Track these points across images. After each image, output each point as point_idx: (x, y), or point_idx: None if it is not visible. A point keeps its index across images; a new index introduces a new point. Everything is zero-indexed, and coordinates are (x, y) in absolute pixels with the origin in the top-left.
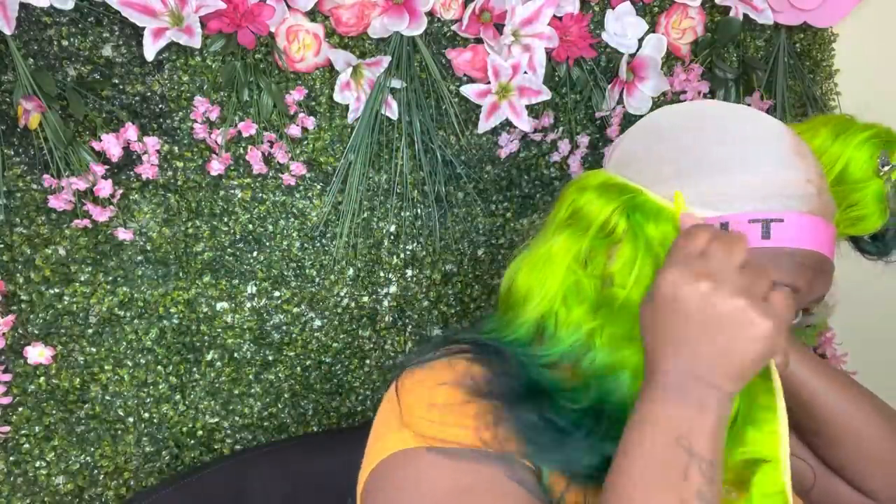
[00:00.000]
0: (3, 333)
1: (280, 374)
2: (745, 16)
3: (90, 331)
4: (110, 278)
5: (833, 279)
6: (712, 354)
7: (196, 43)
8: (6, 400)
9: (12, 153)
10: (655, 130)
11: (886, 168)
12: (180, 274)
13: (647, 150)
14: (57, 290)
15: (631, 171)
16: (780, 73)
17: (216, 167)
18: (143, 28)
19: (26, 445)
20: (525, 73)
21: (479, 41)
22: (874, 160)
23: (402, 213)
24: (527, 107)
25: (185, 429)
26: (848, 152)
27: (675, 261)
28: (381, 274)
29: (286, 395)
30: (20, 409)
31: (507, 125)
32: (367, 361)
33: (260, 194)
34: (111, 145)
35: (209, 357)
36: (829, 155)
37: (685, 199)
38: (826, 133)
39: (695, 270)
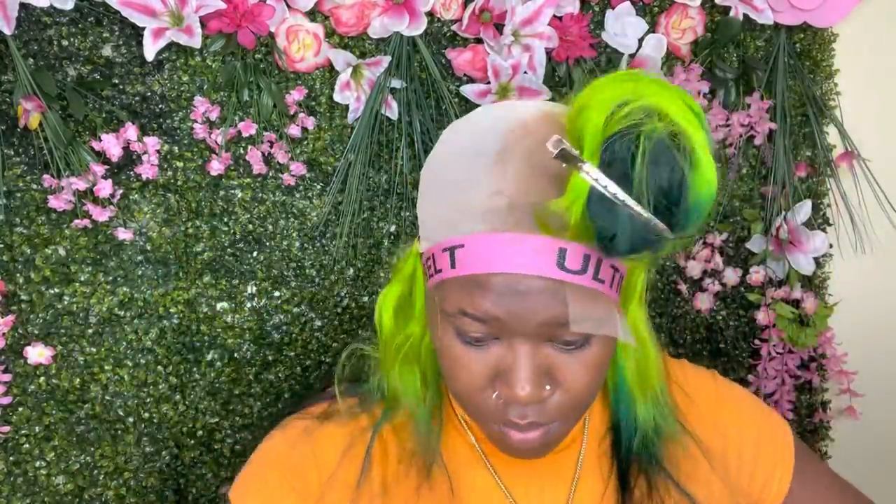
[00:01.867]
0: (3, 333)
1: (280, 375)
2: (745, 16)
3: (90, 331)
4: (110, 278)
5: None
6: None
7: (196, 43)
8: (6, 400)
9: (12, 153)
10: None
11: (565, 160)
12: (180, 274)
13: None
14: (57, 290)
15: None
16: (780, 73)
17: (216, 167)
18: (143, 28)
19: (26, 445)
20: (525, 73)
21: (479, 41)
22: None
23: (403, 214)
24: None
25: (185, 429)
26: (582, 121)
27: None
28: (382, 274)
29: (286, 396)
30: (20, 409)
31: None
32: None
33: (260, 194)
34: (111, 145)
35: (209, 357)
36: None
37: (421, 229)
38: (592, 96)
39: None
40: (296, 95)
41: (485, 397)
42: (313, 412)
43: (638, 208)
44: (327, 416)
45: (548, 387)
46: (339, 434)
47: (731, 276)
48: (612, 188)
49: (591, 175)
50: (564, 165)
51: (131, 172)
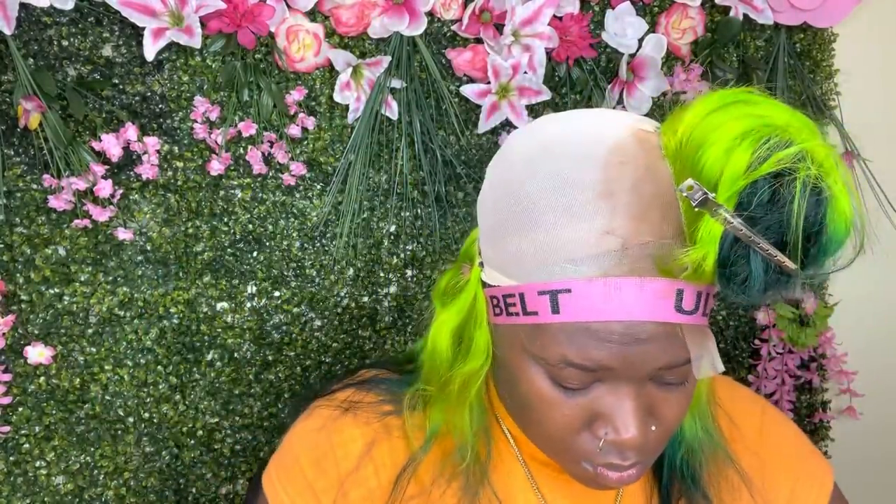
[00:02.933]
0: (3, 333)
1: (280, 375)
2: (745, 16)
3: (90, 331)
4: (110, 278)
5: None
6: None
7: (196, 43)
8: (6, 400)
9: (12, 153)
10: (494, 189)
11: (697, 203)
12: (180, 274)
13: (486, 208)
14: (57, 290)
15: (481, 237)
16: (780, 73)
17: (216, 167)
18: (143, 28)
19: (26, 445)
20: (525, 73)
21: (479, 41)
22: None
23: (402, 214)
24: (527, 107)
25: (185, 429)
26: (732, 161)
27: None
28: (381, 274)
29: (286, 395)
30: (20, 409)
31: (507, 125)
32: (367, 362)
33: (260, 194)
34: (111, 145)
35: (209, 357)
36: (707, 167)
37: (487, 258)
38: (728, 126)
39: None
40: (296, 95)
41: (580, 440)
42: (339, 398)
43: (777, 253)
44: (351, 407)
45: (653, 427)
46: (360, 434)
47: None
48: (753, 234)
49: (731, 220)
50: (694, 208)
51: (131, 172)
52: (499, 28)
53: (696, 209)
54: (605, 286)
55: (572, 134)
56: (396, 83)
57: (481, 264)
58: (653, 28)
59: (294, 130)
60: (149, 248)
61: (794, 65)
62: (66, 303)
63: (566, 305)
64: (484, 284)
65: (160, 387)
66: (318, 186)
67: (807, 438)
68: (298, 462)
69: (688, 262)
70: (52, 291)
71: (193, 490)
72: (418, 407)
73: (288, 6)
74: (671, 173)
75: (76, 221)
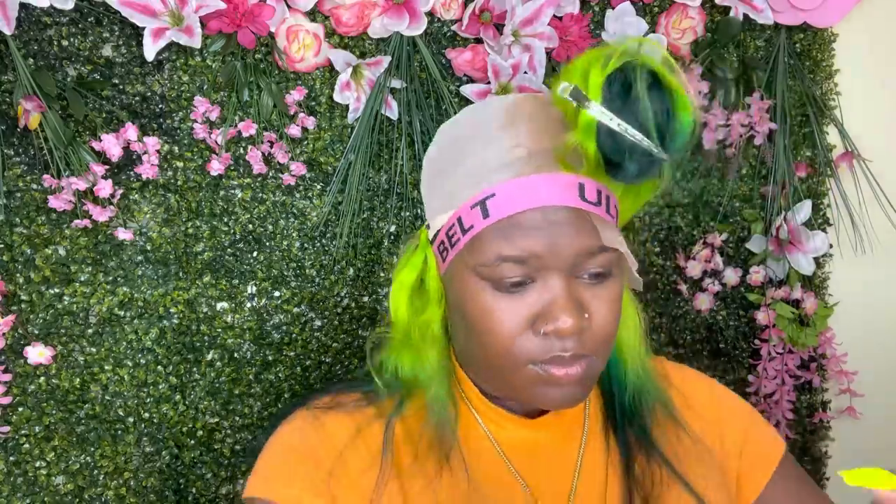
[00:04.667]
0: (3, 333)
1: (280, 375)
2: (745, 16)
3: (90, 331)
4: (110, 278)
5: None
6: None
7: (196, 43)
8: (6, 400)
9: (12, 153)
10: (425, 163)
11: (575, 101)
12: (180, 274)
13: (424, 183)
14: (57, 290)
15: (426, 209)
16: (780, 73)
17: (216, 167)
18: (143, 28)
19: (26, 445)
20: (525, 73)
21: (479, 41)
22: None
23: (402, 214)
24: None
25: (185, 429)
26: (558, 107)
27: None
28: (381, 274)
29: (286, 396)
30: (20, 409)
31: None
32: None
33: (260, 194)
34: (111, 145)
35: (209, 357)
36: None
37: (431, 214)
38: (555, 85)
39: None
40: (296, 95)
41: (524, 341)
42: (318, 404)
43: (638, 134)
44: (333, 407)
45: (586, 315)
46: (347, 421)
47: (731, 276)
48: (615, 119)
49: (597, 110)
50: (574, 107)
51: (131, 172)
52: (499, 28)
53: (575, 105)
54: (519, 184)
55: (484, 101)
56: (396, 83)
57: (427, 226)
58: (653, 28)
59: (294, 130)
60: (149, 248)
61: (794, 65)
62: (66, 303)
63: (493, 207)
64: (430, 242)
65: (160, 387)
66: (318, 186)
67: (757, 413)
68: (294, 453)
69: (571, 147)
70: (52, 291)
71: (193, 490)
72: (395, 396)
73: (288, 6)
74: (558, 110)
75: (76, 221)
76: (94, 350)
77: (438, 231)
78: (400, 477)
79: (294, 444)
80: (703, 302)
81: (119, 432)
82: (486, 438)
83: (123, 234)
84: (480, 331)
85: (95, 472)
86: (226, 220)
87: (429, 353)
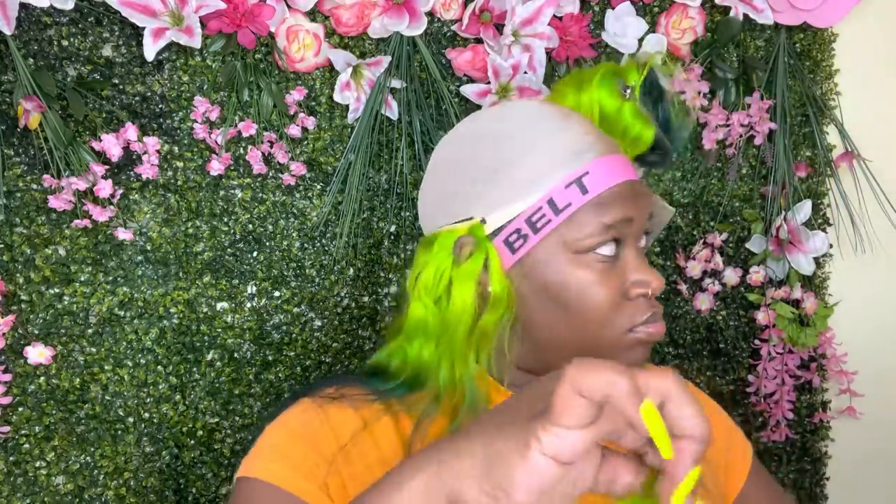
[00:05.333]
0: (3, 333)
1: (280, 375)
2: (745, 16)
3: (90, 331)
4: (110, 278)
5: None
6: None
7: (196, 43)
8: (6, 400)
9: (12, 153)
10: (453, 166)
11: (628, 91)
12: (180, 274)
13: (454, 186)
14: (57, 290)
15: (436, 220)
16: (780, 73)
17: (216, 167)
18: (143, 28)
19: (26, 445)
20: (525, 73)
21: (479, 41)
22: (615, 90)
23: (402, 214)
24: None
25: (185, 429)
26: (594, 96)
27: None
28: (381, 274)
29: (286, 396)
30: (20, 409)
31: None
32: (368, 362)
33: (260, 194)
34: (111, 145)
35: (209, 357)
36: (583, 106)
37: (489, 208)
38: (570, 92)
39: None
40: (296, 95)
41: (623, 309)
42: (323, 394)
43: (660, 130)
44: (338, 398)
45: None
46: (352, 414)
47: (731, 276)
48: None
49: (642, 105)
50: (628, 92)
51: (131, 172)
52: (499, 28)
53: (627, 95)
54: (606, 161)
55: (506, 104)
56: (396, 83)
57: (483, 221)
58: (653, 28)
59: (294, 130)
60: (149, 248)
61: (794, 65)
62: (66, 303)
63: (591, 183)
64: (489, 237)
65: (160, 387)
66: (318, 186)
67: (729, 418)
68: (293, 436)
69: (635, 132)
70: (52, 291)
71: (193, 490)
72: (410, 393)
73: (288, 6)
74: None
75: (76, 221)
76: (94, 350)
77: (506, 223)
78: None
79: (294, 428)
80: (703, 302)
81: (119, 432)
82: None
83: (123, 234)
84: (580, 307)
85: (95, 472)
86: (226, 220)
87: (473, 356)
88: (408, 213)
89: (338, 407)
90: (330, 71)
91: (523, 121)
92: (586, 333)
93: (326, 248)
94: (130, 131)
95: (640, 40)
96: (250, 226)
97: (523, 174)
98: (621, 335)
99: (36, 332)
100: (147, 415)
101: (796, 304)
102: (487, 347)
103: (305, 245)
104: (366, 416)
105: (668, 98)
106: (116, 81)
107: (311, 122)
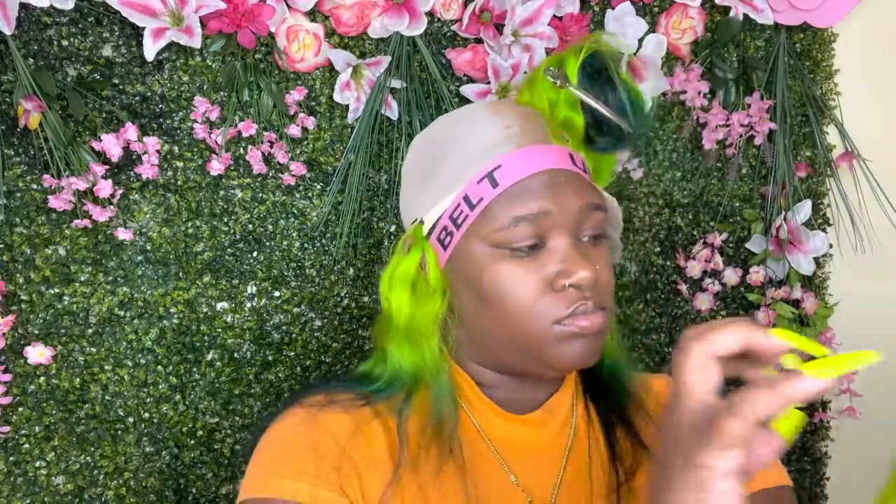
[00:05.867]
0: (3, 333)
1: (280, 375)
2: (745, 16)
3: (90, 331)
4: (110, 278)
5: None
6: None
7: (196, 43)
8: (6, 400)
9: (12, 153)
10: (406, 172)
11: (558, 79)
12: (180, 274)
13: (407, 189)
14: (57, 290)
15: (409, 213)
16: (780, 73)
17: (216, 167)
18: (143, 28)
19: (26, 445)
20: (525, 73)
21: (479, 41)
22: (551, 83)
23: None
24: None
25: (185, 429)
26: (540, 88)
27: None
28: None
29: (286, 396)
30: (20, 409)
31: None
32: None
33: (260, 194)
34: (111, 145)
35: (209, 357)
36: (535, 101)
37: (424, 208)
38: (525, 89)
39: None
40: (296, 95)
41: (546, 301)
42: (312, 402)
43: (606, 110)
44: (327, 405)
45: (597, 267)
46: (345, 418)
47: (731, 276)
48: (591, 98)
49: (579, 89)
50: (555, 90)
51: (131, 172)
52: (499, 28)
53: (557, 85)
54: (521, 153)
55: (453, 112)
56: (396, 83)
57: (420, 221)
58: (653, 28)
59: (294, 130)
60: (149, 248)
61: (794, 65)
62: (66, 303)
63: (501, 176)
64: (427, 236)
65: (160, 387)
66: (318, 186)
67: None
68: (293, 450)
69: (560, 117)
70: (52, 291)
71: (193, 490)
72: (394, 395)
73: (288, 6)
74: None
75: (76, 221)
76: (94, 350)
77: (436, 221)
78: (407, 477)
79: (290, 439)
80: (703, 302)
81: (119, 432)
82: (478, 434)
83: (123, 234)
84: (501, 300)
85: (95, 472)
86: (226, 220)
87: (431, 345)
88: None
89: (330, 413)
90: (330, 71)
91: (455, 122)
92: (512, 326)
93: (326, 248)
94: (130, 131)
95: (641, 40)
96: (250, 226)
97: (447, 173)
98: (546, 328)
99: (36, 332)
100: (147, 415)
101: (796, 304)
102: (429, 339)
103: (305, 245)
104: (357, 419)
105: (617, 81)
106: (116, 81)
107: (311, 122)
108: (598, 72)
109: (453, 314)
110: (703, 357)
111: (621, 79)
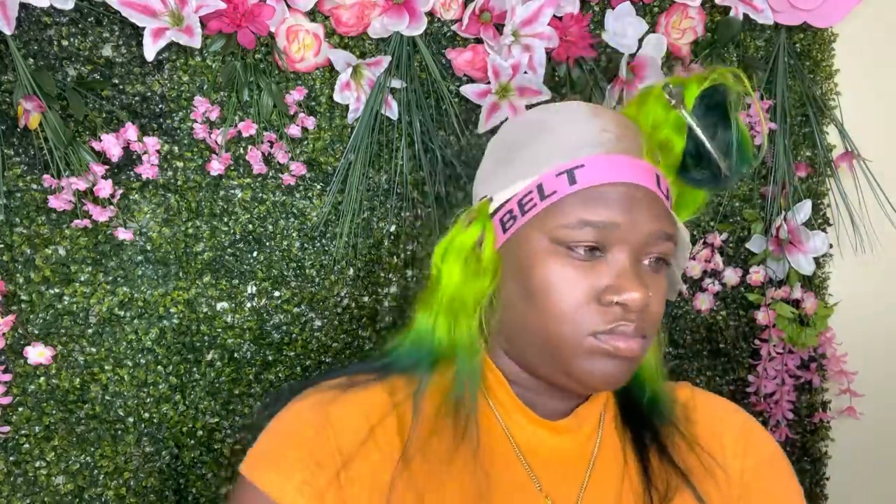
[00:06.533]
0: (3, 333)
1: (280, 375)
2: (745, 16)
3: (90, 331)
4: (110, 278)
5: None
6: None
7: (196, 43)
8: (6, 400)
9: (12, 153)
10: (491, 148)
11: (674, 99)
12: (180, 274)
13: (487, 164)
14: (57, 290)
15: (481, 188)
16: (780, 73)
17: (216, 167)
18: (143, 28)
19: (26, 445)
20: (525, 73)
21: (479, 41)
22: (666, 104)
23: (402, 214)
24: (527, 107)
25: (185, 429)
26: (644, 108)
27: None
28: (381, 274)
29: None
30: (20, 409)
31: None
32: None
33: (260, 194)
34: (111, 145)
35: (209, 357)
36: (641, 114)
37: (497, 187)
38: (634, 101)
39: None
40: (296, 95)
41: (589, 311)
42: (330, 384)
43: (715, 149)
44: (347, 388)
45: (650, 294)
46: (360, 409)
47: (731, 276)
48: (700, 128)
49: (691, 116)
50: (667, 109)
51: (131, 172)
52: (499, 28)
53: (672, 104)
54: (607, 159)
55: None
56: (396, 83)
57: (490, 199)
58: (653, 28)
59: (294, 130)
60: (149, 248)
61: (794, 65)
62: (66, 303)
63: (581, 176)
64: (491, 214)
65: (160, 387)
66: (318, 186)
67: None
68: (295, 445)
69: (662, 137)
70: (52, 291)
71: (193, 490)
72: (416, 368)
73: (288, 6)
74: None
75: (76, 221)
76: (94, 350)
77: (505, 202)
78: (418, 458)
79: (296, 431)
80: (703, 302)
81: (119, 432)
82: (504, 437)
83: (123, 234)
84: (545, 297)
85: (95, 472)
86: (226, 220)
87: (471, 324)
88: (408, 213)
89: (343, 407)
90: (330, 71)
91: (552, 112)
92: (549, 326)
93: (326, 248)
94: (130, 131)
95: (641, 40)
96: (250, 226)
97: (528, 158)
98: (581, 337)
99: (36, 332)
100: (147, 415)
101: (796, 304)
102: (470, 317)
103: (305, 245)
104: (372, 421)
105: (732, 120)
106: (116, 81)
107: (311, 122)
108: (717, 105)
109: (498, 300)
110: None
111: (736, 120)
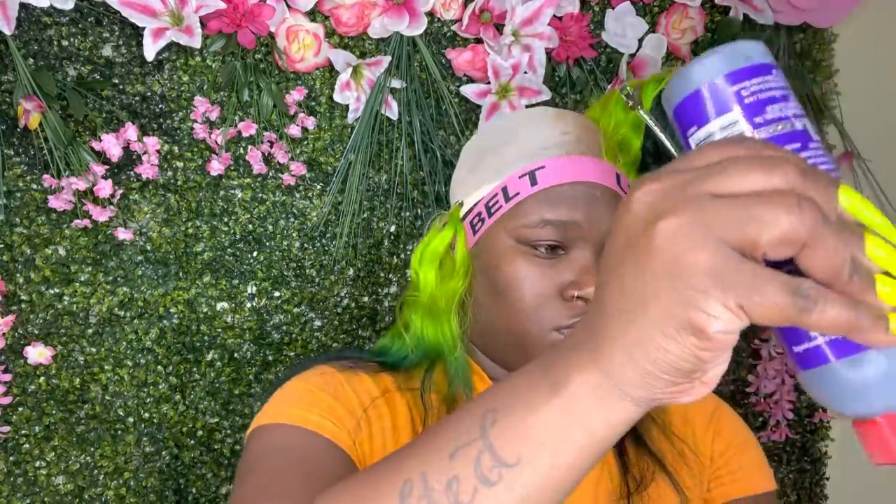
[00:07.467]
0: (3, 333)
1: (280, 375)
2: (745, 16)
3: (90, 331)
4: (110, 278)
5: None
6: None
7: (196, 43)
8: (6, 400)
9: (12, 153)
10: (463, 154)
11: (630, 101)
12: (180, 274)
13: (459, 171)
14: (57, 290)
15: (454, 193)
16: None
17: (216, 167)
18: (143, 28)
19: (26, 445)
20: (525, 73)
21: (479, 41)
22: (626, 105)
23: (403, 214)
24: (527, 107)
25: (185, 429)
26: (607, 111)
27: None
28: (381, 274)
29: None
30: (20, 409)
31: None
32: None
33: (260, 194)
34: (111, 145)
35: (209, 357)
36: (604, 117)
37: (468, 191)
38: (598, 105)
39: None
40: (296, 95)
41: (552, 306)
42: (337, 363)
43: (669, 143)
44: (354, 367)
45: None
46: (370, 383)
47: None
48: (658, 128)
49: (649, 116)
50: (626, 110)
51: (131, 172)
52: (499, 28)
53: (629, 105)
54: (568, 160)
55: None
56: (396, 83)
57: (460, 203)
58: (653, 28)
59: (294, 130)
60: (149, 248)
61: (794, 65)
62: (66, 303)
63: (542, 177)
64: (462, 219)
65: (160, 387)
66: (318, 186)
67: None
68: (312, 391)
69: (620, 136)
70: (52, 291)
71: (193, 490)
72: (415, 368)
73: (288, 6)
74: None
75: (76, 221)
76: (94, 350)
77: (474, 205)
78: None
79: (317, 383)
80: None
81: (119, 432)
82: None
83: (123, 234)
84: (510, 293)
85: (95, 472)
86: (226, 220)
87: (451, 323)
88: (408, 213)
89: (354, 373)
90: (330, 71)
91: (518, 118)
92: (514, 322)
93: (326, 248)
94: (130, 131)
95: (640, 40)
96: (250, 226)
97: (494, 163)
98: (545, 332)
99: (36, 332)
100: (147, 415)
101: None
102: (449, 317)
103: (305, 245)
104: (383, 386)
105: None
106: (116, 81)
107: (311, 122)
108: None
109: (471, 299)
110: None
111: None
